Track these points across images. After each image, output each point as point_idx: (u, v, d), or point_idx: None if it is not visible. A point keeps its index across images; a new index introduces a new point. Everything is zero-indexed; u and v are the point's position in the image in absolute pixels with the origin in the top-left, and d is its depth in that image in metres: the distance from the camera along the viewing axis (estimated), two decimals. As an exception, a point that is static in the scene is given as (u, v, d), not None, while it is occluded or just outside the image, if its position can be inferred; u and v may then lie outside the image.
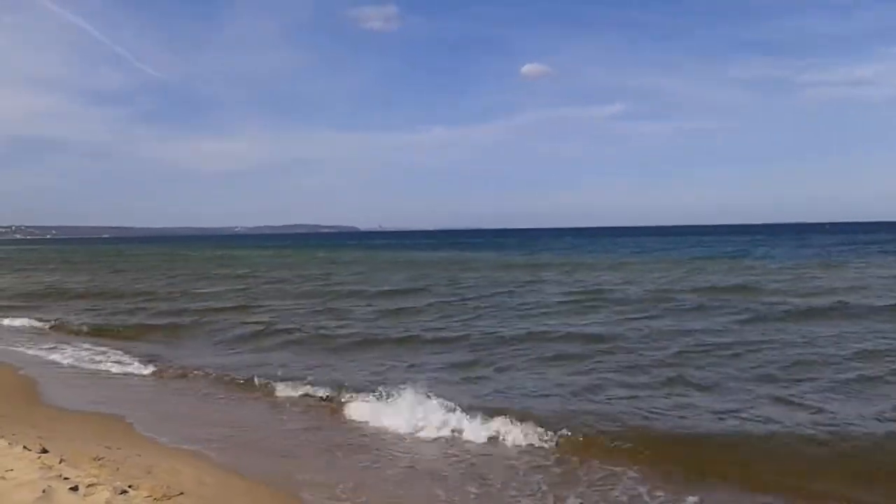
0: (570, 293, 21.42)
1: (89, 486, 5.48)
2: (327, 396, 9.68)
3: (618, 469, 6.71)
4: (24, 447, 6.55)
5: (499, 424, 7.90)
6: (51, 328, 18.22)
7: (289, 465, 7.15)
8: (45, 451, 6.51)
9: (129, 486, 5.61)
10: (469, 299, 20.88)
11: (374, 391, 9.40)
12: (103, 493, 5.34)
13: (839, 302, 16.83)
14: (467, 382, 10.35)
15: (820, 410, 8.07)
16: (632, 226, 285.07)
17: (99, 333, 16.80)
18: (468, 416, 8.15)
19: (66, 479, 5.59)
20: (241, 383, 10.81)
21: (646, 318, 15.95)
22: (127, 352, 14.01)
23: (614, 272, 30.67)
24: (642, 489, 6.25)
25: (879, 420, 7.66)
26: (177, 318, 18.92)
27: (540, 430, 7.64)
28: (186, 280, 32.99)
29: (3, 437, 7.00)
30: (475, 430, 7.92)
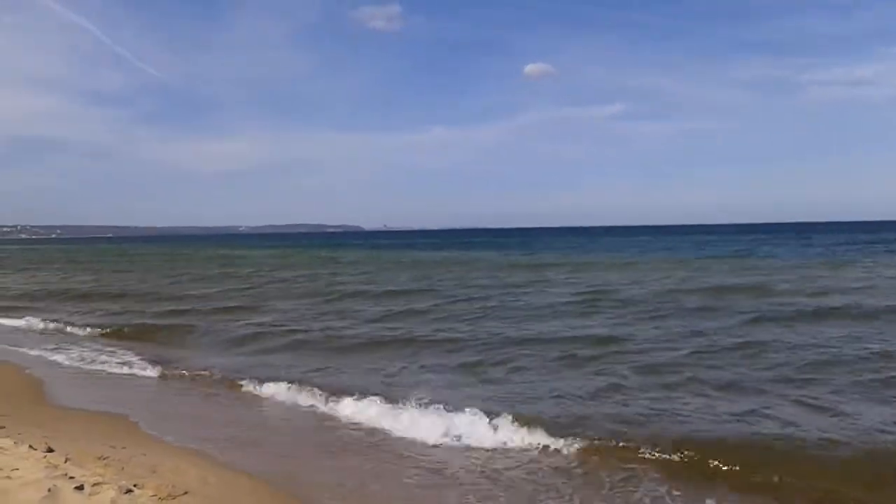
0: (576, 294, 21.27)
1: (94, 485, 5.50)
2: (332, 398, 9.54)
3: (638, 471, 6.59)
4: (30, 446, 6.60)
5: (511, 427, 7.70)
6: (56, 328, 18.20)
7: (292, 466, 7.10)
8: (50, 450, 6.55)
9: (134, 486, 5.62)
10: (475, 299, 20.77)
11: (380, 393, 9.30)
12: (108, 493, 5.35)
13: (850, 302, 16.67)
14: (476, 384, 10.23)
15: (839, 413, 7.93)
16: (633, 225, 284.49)
17: (104, 333, 16.77)
18: (478, 419, 7.97)
19: (71, 478, 5.61)
20: (245, 383, 10.73)
21: (655, 318, 15.80)
22: (132, 352, 14.01)
23: (619, 272, 30.51)
24: (662, 489, 6.16)
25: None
26: (181, 318, 18.90)
27: (556, 432, 7.46)
28: (190, 280, 32.99)
29: (8, 436, 7.07)
30: (487, 433, 7.71)
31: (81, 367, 12.79)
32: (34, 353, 14.10)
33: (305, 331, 15.77)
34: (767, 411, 8.05)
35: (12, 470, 5.70)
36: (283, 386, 10.23)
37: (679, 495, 6.07)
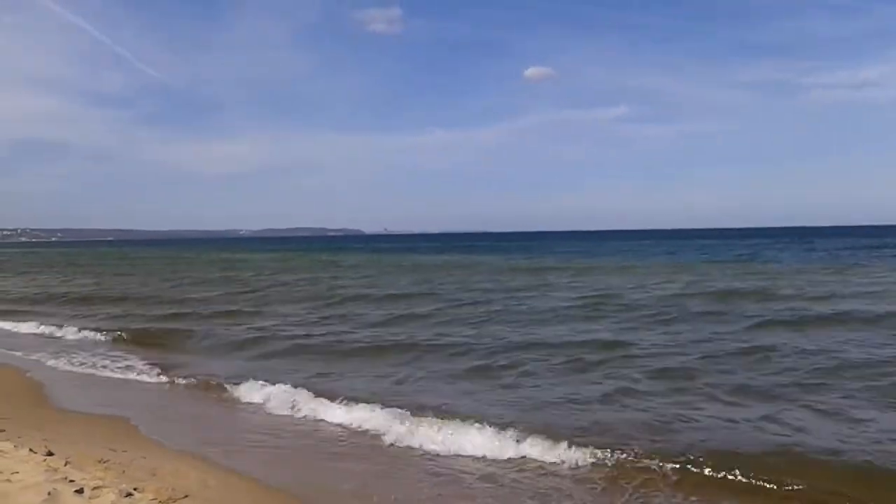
0: (580, 298, 21.19)
1: (94, 488, 5.48)
2: (334, 403, 9.37)
3: (656, 479, 6.45)
4: (30, 450, 6.61)
5: (520, 433, 7.48)
6: (57, 332, 18.10)
7: (293, 470, 7.03)
8: (50, 453, 6.57)
9: (135, 489, 5.61)
10: (478, 303, 20.68)
11: (382, 399, 9.18)
12: (108, 496, 5.34)
13: (857, 307, 16.57)
14: (482, 389, 10.08)
15: (854, 419, 7.82)
16: (635, 229, 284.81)
17: (104, 337, 16.67)
18: (485, 425, 7.76)
19: (71, 481, 5.59)
20: (246, 387, 10.61)
21: (660, 322, 15.69)
22: (132, 355, 13.92)
23: (622, 276, 30.44)
24: (679, 496, 6.07)
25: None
26: (182, 322, 18.82)
27: (568, 439, 7.25)
28: (192, 283, 32.95)
29: (8, 439, 7.10)
30: (494, 440, 7.47)
31: (82, 370, 12.71)
32: (34, 356, 14.01)
33: (307, 335, 15.67)
34: (782, 418, 7.93)
35: (12, 473, 5.69)
36: (284, 390, 10.11)
37: (696, 501, 5.97)
